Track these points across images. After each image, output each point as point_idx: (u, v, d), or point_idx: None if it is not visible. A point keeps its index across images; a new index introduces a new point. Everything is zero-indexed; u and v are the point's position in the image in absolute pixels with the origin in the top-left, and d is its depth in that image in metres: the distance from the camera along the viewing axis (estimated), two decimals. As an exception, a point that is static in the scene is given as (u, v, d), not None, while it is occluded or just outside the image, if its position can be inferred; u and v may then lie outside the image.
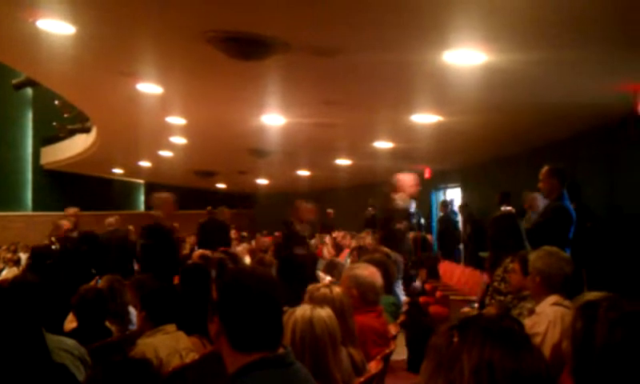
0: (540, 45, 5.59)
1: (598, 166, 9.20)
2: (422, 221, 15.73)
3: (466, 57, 5.92)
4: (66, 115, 17.89)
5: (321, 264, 10.10)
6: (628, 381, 1.92)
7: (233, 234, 15.29)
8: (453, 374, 1.23)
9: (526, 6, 4.67)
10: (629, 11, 4.83)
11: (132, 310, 4.97)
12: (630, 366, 1.91)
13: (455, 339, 1.26)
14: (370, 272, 4.00)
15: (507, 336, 1.24)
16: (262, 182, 20.93)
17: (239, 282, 2.07)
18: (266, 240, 14.88)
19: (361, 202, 17.63)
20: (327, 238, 11.99)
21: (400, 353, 6.12)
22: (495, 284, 5.43)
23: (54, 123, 20.09)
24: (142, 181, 25.70)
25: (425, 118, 9.14)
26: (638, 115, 7.20)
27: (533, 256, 4.00)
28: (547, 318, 3.67)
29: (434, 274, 10.07)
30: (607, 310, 2.00)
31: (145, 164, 17.77)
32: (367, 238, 10.73)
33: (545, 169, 5.99)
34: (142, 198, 26.57)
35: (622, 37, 5.42)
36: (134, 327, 4.83)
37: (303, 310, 2.69)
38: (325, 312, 2.69)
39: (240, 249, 10.73)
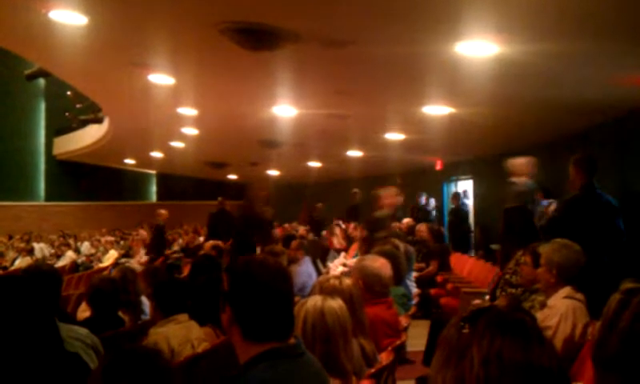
0: (551, 37, 5.55)
1: (608, 159, 9.14)
2: (435, 212, 15.80)
3: (478, 48, 5.89)
4: (78, 106, 17.99)
5: (331, 255, 10.14)
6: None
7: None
8: (462, 366, 1.23)
9: (538, -2, 4.64)
10: (636, 7, 4.80)
11: (144, 300, 5.01)
12: None
13: (465, 331, 1.26)
14: (379, 264, 4.01)
15: (518, 328, 1.24)
16: (273, 173, 20.96)
17: (251, 271, 2.08)
18: (277, 232, 14.92)
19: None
20: (337, 229, 11.99)
21: (416, 345, 6.14)
22: (507, 276, 5.41)
23: (67, 114, 20.21)
24: (153, 171, 25.80)
25: (436, 110, 9.11)
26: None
27: (547, 248, 3.98)
28: (559, 311, 3.66)
29: (445, 266, 10.07)
30: None
31: (157, 155, 17.84)
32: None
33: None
34: (154, 188, 26.68)
35: (632, 30, 5.37)
36: (146, 317, 4.87)
37: (315, 301, 2.70)
38: (336, 303, 2.70)
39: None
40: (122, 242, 17.37)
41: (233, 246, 8.89)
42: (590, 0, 4.70)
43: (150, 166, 23.86)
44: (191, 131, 12.60)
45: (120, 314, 4.65)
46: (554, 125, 10.11)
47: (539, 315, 3.82)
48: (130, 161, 21.55)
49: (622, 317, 1.99)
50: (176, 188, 24.56)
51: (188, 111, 10.25)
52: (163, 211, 13.04)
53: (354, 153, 14.91)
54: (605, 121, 9.15)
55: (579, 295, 3.80)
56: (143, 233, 15.02)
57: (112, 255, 13.90)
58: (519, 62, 6.23)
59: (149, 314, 4.62)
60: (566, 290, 3.76)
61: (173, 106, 9.81)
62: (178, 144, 14.96)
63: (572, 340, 3.53)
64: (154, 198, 26.57)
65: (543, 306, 3.98)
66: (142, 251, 12.65)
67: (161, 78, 7.86)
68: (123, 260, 12.08)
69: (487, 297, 6.09)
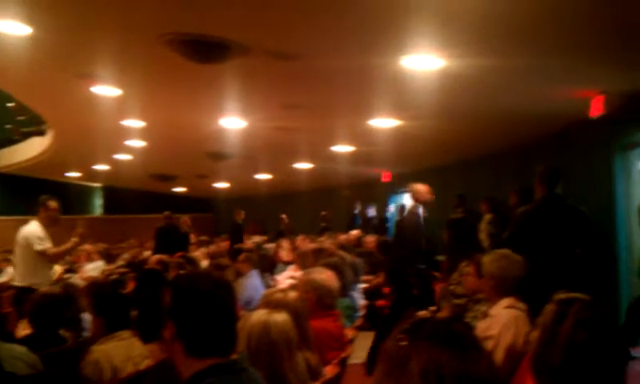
0: (495, 52, 5.70)
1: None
2: (375, 221, 16.06)
3: (424, 62, 5.99)
4: (20, 118, 17.53)
5: (279, 268, 10.10)
6: (582, 382, 1.97)
7: (192, 237, 15.18)
8: (403, 378, 1.24)
9: (481, 14, 4.75)
10: (578, 23, 4.97)
11: (86, 316, 4.90)
12: (587, 369, 1.96)
13: (405, 343, 1.27)
14: (325, 276, 4.02)
15: (455, 339, 1.25)
16: (222, 185, 20.82)
17: (194, 285, 2.06)
18: (225, 244, 14.85)
19: (320, 205, 17.69)
20: (284, 242, 11.97)
21: (362, 357, 6.14)
22: (451, 287, 5.48)
23: (8, 126, 19.66)
24: (99, 185, 25.31)
25: (384, 123, 9.22)
26: (591, 120, 7.37)
27: (486, 259, 4.06)
28: (501, 321, 3.72)
29: (392, 278, 10.14)
30: (579, 310, 2.05)
31: (102, 167, 17.50)
32: (326, 242, 10.76)
33: None
34: (100, 202, 26.15)
35: (569, 46, 5.56)
36: (88, 334, 4.76)
37: (259, 315, 2.69)
38: (281, 317, 2.69)
39: (197, 253, 10.63)
40: (66, 257, 16.92)
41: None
42: (529, 18, 4.84)
43: (96, 179, 23.37)
44: (138, 143, 12.42)
45: (62, 331, 4.54)
46: (497, 137, 10.35)
47: (481, 324, 3.89)
48: (74, 174, 21.06)
49: (561, 327, 2.04)
50: (122, 201, 24.14)
51: (134, 123, 10.10)
52: None
53: (303, 165, 14.94)
54: (546, 133, 9.40)
55: (521, 305, 3.87)
56: (88, 247, 14.70)
57: (55, 271, 13.54)
58: (463, 75, 6.37)
59: (90, 330, 4.52)
60: (508, 300, 3.83)
61: (119, 117, 9.66)
62: (124, 156, 14.71)
63: (514, 349, 3.60)
64: (99, 211, 26.04)
65: (486, 315, 4.05)
66: (87, 266, 12.38)
67: (106, 90, 7.73)
68: (67, 275, 11.77)
69: (432, 307, 6.16)
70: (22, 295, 6.16)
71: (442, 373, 1.20)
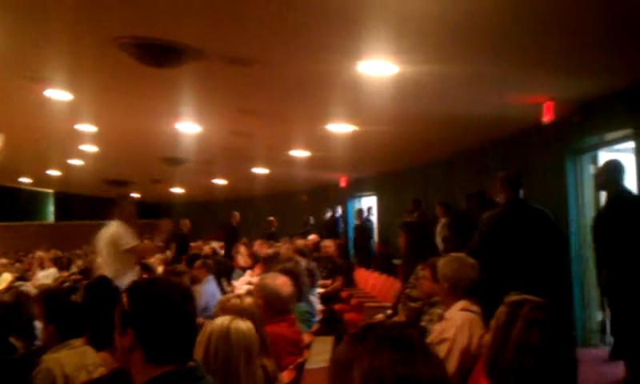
0: (447, 59, 5.80)
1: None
2: (341, 224, 16.12)
3: (379, 68, 6.04)
4: (-32, 122, 17.07)
5: (236, 273, 10.06)
6: (535, 382, 2.00)
7: (146, 243, 15.00)
8: (347, 382, 1.24)
9: (434, 22, 4.81)
10: (527, 33, 5.09)
11: (37, 325, 4.79)
12: (539, 369, 1.99)
13: (352, 347, 1.28)
14: (280, 282, 4.01)
15: (400, 343, 1.25)
16: (178, 191, 20.62)
17: (154, 290, 2.04)
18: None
19: (279, 210, 17.65)
20: (242, 248, 11.91)
21: (320, 362, 6.14)
22: (408, 291, 5.53)
23: (-44, 130, 19.13)
24: (51, 190, 24.81)
25: (340, 128, 9.26)
26: (543, 125, 7.53)
27: (440, 263, 4.10)
28: (455, 324, 3.76)
29: (350, 282, 10.19)
30: (530, 311, 2.08)
31: (54, 173, 17.17)
32: (283, 247, 10.74)
33: None
34: (52, 208, 25.63)
35: (522, 54, 5.69)
36: (39, 342, 4.65)
37: (222, 321, 2.67)
38: (245, 324, 2.67)
39: (153, 260, 10.50)
40: (17, 265, 16.54)
41: None
42: (481, 27, 4.93)
43: (48, 185, 22.92)
44: (90, 148, 12.22)
45: (12, 340, 4.43)
46: (452, 142, 10.48)
47: (437, 327, 3.93)
48: (25, 179, 20.61)
49: (512, 329, 2.07)
50: (75, 207, 23.71)
51: (87, 128, 9.94)
52: None
53: (260, 170, 14.90)
54: (501, 137, 9.57)
55: (475, 307, 3.93)
56: (40, 254, 14.39)
57: (5, 278, 13.21)
58: (417, 81, 6.45)
59: (41, 339, 4.42)
60: (462, 303, 3.88)
61: (72, 122, 9.49)
62: (76, 162, 14.46)
63: (468, 352, 3.64)
64: (51, 218, 25.52)
65: (441, 318, 4.09)
66: (39, 273, 12.11)
67: (58, 94, 7.58)
68: (18, 283, 11.50)
69: (389, 311, 6.21)
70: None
71: (384, 377, 1.20)
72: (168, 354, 1.95)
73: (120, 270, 6.74)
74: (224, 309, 3.05)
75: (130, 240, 6.82)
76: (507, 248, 5.56)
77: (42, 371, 3.33)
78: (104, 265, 6.91)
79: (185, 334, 2.00)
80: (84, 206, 23.43)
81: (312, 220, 15.81)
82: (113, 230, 6.88)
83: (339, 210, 16.48)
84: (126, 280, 6.65)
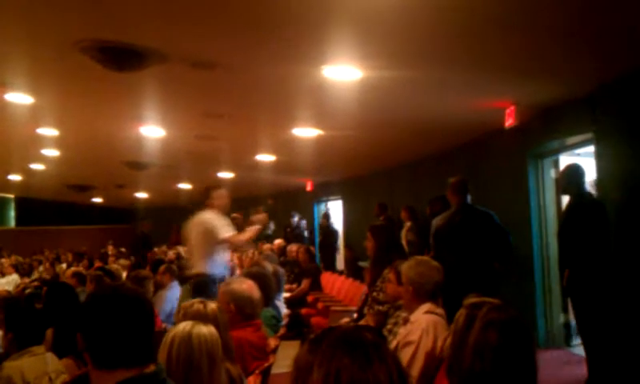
0: (410, 64, 5.86)
1: (469, 178, 9.67)
2: (306, 233, 16.04)
3: (344, 72, 6.06)
4: None
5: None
6: (494, 382, 2.02)
7: (110, 249, 14.82)
8: None
9: (396, 27, 4.84)
10: (488, 39, 5.16)
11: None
12: (498, 370, 2.01)
13: (310, 352, 1.28)
14: (246, 286, 3.99)
15: (357, 346, 1.26)
16: (142, 195, 20.40)
17: (97, 296, 2.04)
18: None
19: (245, 214, 17.54)
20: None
21: (286, 366, 6.13)
22: (374, 294, 5.54)
23: None
24: (12, 195, 24.35)
25: (305, 132, 9.27)
26: (506, 130, 7.64)
27: (404, 266, 4.12)
28: (420, 326, 3.78)
29: (316, 286, 10.20)
30: (488, 312, 2.10)
31: (15, 177, 16.85)
32: (250, 252, 10.70)
33: None
34: (12, 213, 25.15)
35: (483, 60, 5.78)
36: (0, 350, 4.56)
37: (184, 326, 2.66)
38: (207, 329, 2.66)
39: (116, 266, 10.36)
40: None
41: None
42: (444, 33, 4.99)
43: (9, 190, 22.49)
44: (52, 152, 12.02)
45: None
46: (416, 146, 10.57)
47: (402, 330, 3.95)
48: (-15, 185, 20.23)
49: (471, 330, 2.10)
50: (37, 212, 23.30)
51: (48, 132, 9.77)
52: None
53: (225, 174, 14.81)
54: (464, 141, 9.67)
55: (439, 310, 3.95)
56: (1, 260, 14.12)
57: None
58: (382, 86, 6.49)
59: (1, 346, 4.34)
60: (427, 306, 3.90)
61: (32, 126, 9.32)
62: (38, 166, 14.21)
63: (433, 354, 3.66)
64: (12, 223, 25.05)
65: (407, 321, 4.11)
66: (0, 280, 11.88)
67: (17, 97, 7.44)
68: (-22, 290, 11.25)
69: (355, 315, 6.22)
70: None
71: (340, 380, 1.21)
72: (116, 359, 1.91)
73: (213, 259, 6.61)
74: (186, 314, 3.03)
75: (224, 230, 6.70)
76: (453, 250, 5.90)
77: (2, 379, 3.27)
78: (196, 254, 6.76)
79: (133, 339, 1.96)
80: (46, 211, 23.06)
81: (272, 225, 15.61)
82: (207, 219, 6.75)
83: (304, 222, 16.33)
84: (218, 270, 6.56)
